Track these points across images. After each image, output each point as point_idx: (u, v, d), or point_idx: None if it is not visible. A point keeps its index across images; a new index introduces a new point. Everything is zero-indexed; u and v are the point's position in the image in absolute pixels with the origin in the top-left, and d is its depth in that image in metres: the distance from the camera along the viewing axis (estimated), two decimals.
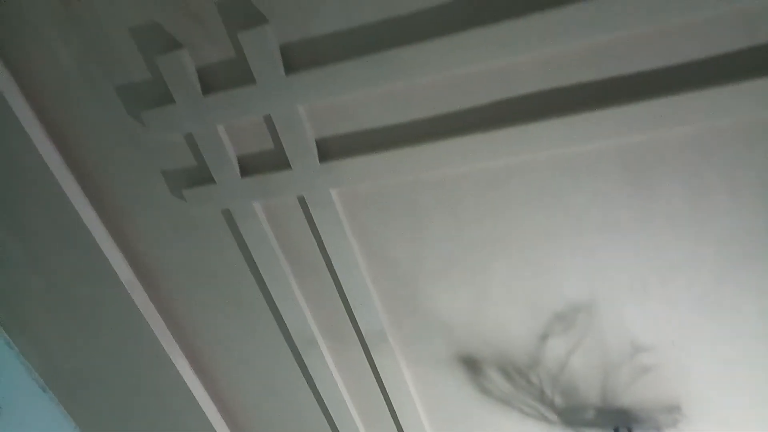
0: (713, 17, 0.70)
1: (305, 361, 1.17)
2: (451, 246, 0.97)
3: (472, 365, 1.09)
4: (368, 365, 1.15)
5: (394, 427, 1.22)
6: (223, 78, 0.90)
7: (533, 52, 0.75)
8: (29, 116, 1.04)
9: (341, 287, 1.06)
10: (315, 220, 0.99)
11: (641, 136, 0.78)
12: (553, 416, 1.08)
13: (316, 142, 0.92)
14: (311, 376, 1.19)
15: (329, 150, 0.93)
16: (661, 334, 0.94)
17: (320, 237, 1.01)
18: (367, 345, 1.11)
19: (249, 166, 0.98)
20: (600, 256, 0.90)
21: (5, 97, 1.00)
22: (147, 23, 0.88)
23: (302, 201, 0.99)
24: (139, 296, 1.19)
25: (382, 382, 1.16)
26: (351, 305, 1.07)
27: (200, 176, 1.02)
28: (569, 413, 1.07)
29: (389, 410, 1.20)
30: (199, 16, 0.85)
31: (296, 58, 0.85)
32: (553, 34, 0.73)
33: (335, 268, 1.03)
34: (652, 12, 0.69)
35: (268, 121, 0.92)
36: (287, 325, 1.13)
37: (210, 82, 0.91)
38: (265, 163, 0.97)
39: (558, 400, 1.06)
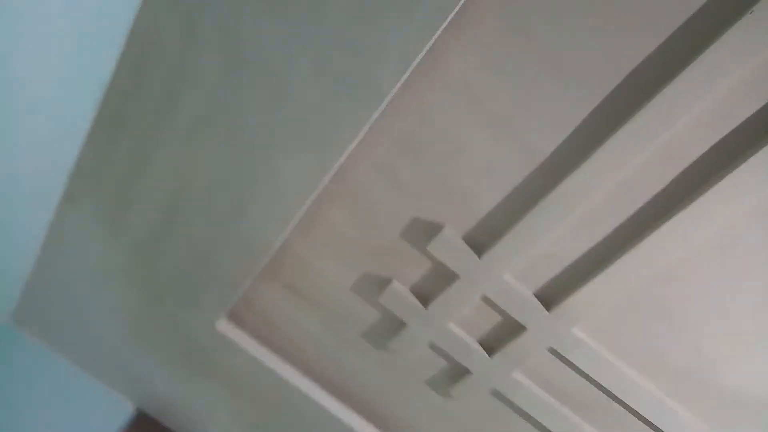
0: None
1: None
2: (723, 323, 0.89)
3: None
4: None
5: None
6: (433, 285, 1.01)
7: (684, 119, 0.74)
8: (307, 384, 1.24)
9: (637, 412, 1.01)
10: (575, 363, 0.99)
11: None
12: None
13: (536, 295, 0.96)
14: None
15: (551, 296, 0.96)
16: None
17: (589, 375, 1.00)
18: None
19: (491, 344, 1.04)
20: None
21: (282, 377, 1.21)
22: (359, 277, 1.05)
23: (554, 351, 1.00)
24: None
25: None
26: (657, 425, 1.00)
27: (457, 372, 1.09)
28: None
29: None
30: (392, 250, 1.00)
31: (481, 239, 0.93)
32: (700, 90, 0.72)
33: (620, 397, 0.99)
34: None
35: (486, 300, 0.99)
36: None
37: (425, 293, 1.02)
38: (502, 335, 1.02)
39: None
